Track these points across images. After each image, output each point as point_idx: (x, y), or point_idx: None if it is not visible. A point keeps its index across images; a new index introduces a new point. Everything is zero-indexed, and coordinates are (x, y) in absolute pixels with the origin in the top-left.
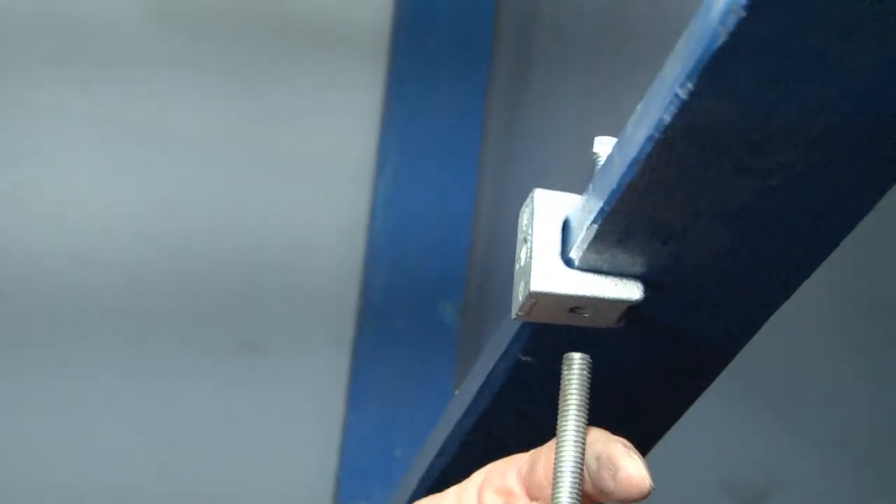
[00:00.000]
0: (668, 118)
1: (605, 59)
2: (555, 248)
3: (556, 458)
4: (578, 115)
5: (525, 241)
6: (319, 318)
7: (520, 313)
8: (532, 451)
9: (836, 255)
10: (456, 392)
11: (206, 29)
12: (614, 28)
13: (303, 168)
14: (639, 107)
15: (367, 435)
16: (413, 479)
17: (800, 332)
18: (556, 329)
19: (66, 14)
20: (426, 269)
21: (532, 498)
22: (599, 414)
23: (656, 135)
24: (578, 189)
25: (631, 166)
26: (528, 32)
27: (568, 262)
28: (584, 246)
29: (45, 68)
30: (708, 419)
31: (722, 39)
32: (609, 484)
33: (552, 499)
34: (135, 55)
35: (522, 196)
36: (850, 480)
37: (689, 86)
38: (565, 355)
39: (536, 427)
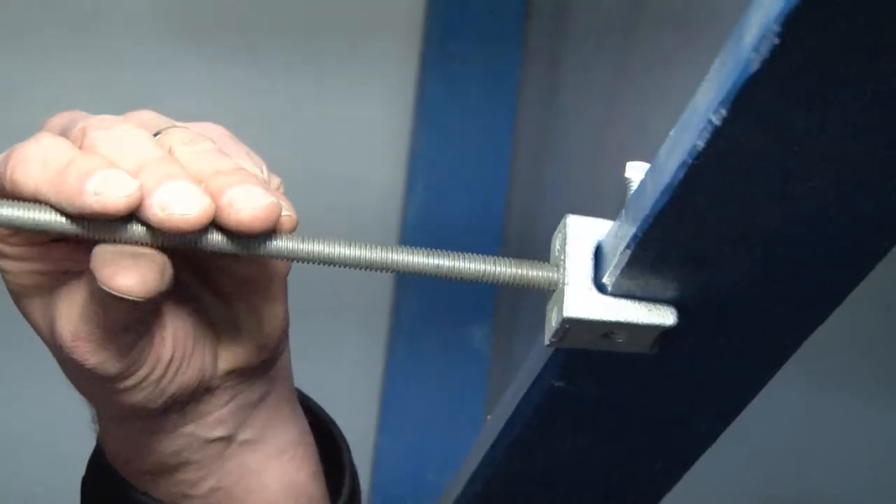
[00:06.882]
0: (701, 144)
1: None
2: (588, 273)
3: None
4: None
5: (557, 266)
6: (350, 339)
7: (553, 339)
8: None
9: (880, 269)
10: (488, 417)
11: None
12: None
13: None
14: (671, 133)
15: (400, 459)
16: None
17: (838, 348)
18: (589, 354)
19: None
20: (456, 295)
21: None
22: (634, 438)
23: (690, 161)
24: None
25: (664, 192)
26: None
27: (601, 288)
28: (618, 271)
29: None
30: (746, 437)
31: (755, 66)
32: None
33: None
34: None
35: (551, 222)
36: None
37: (723, 112)
38: None
39: (571, 452)
